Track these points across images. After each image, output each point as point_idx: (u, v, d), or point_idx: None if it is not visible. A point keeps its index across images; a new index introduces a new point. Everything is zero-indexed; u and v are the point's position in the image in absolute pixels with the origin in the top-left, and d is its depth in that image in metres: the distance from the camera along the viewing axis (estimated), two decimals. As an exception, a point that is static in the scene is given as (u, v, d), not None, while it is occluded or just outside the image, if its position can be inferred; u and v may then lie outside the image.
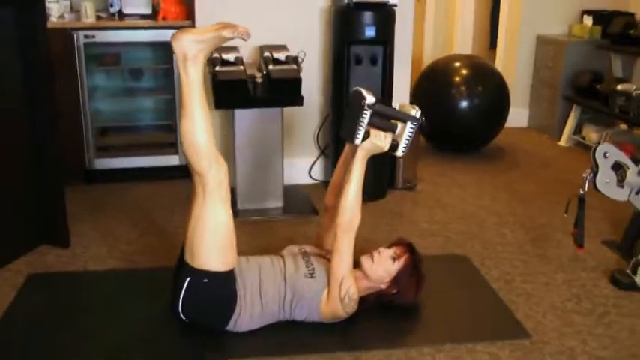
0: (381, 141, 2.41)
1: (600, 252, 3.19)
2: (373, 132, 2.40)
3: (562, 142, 5.01)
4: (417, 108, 2.44)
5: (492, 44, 5.95)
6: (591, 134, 4.83)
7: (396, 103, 2.89)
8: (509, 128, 5.39)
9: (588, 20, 5.16)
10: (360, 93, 2.37)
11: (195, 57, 2.18)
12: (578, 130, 5.00)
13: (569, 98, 5.00)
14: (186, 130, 2.22)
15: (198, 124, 2.21)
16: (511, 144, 5.06)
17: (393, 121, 2.46)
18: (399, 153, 2.46)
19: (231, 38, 2.20)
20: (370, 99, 2.34)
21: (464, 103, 4.58)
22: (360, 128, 2.37)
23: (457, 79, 4.64)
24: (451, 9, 6.78)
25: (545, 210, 3.73)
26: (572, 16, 5.36)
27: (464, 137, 4.72)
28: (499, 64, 5.67)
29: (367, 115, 2.35)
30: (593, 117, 4.92)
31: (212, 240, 2.30)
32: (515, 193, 4.02)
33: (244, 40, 2.20)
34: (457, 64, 4.76)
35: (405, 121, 2.43)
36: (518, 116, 5.51)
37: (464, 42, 6.55)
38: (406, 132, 2.43)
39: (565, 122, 5.04)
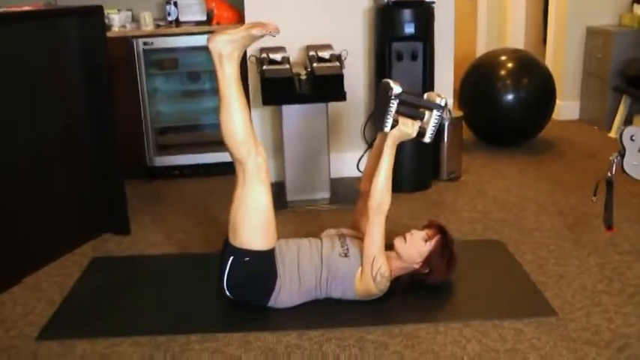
0: (408, 128, 2.56)
1: (639, 237, 3.22)
2: (401, 120, 2.56)
3: (612, 134, 4.99)
4: (442, 96, 2.58)
5: (545, 39, 5.96)
6: (641, 124, 4.80)
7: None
8: (560, 121, 5.43)
9: (638, 9, 5.12)
10: (387, 84, 2.54)
11: (230, 55, 2.39)
12: (629, 120, 4.96)
13: (619, 89, 4.98)
14: (225, 121, 2.44)
15: (235, 115, 2.42)
16: (559, 136, 5.07)
17: (421, 109, 2.60)
18: (427, 139, 2.61)
19: (261, 36, 2.40)
20: (397, 89, 2.50)
21: (509, 97, 4.64)
22: (389, 117, 2.53)
23: (503, 72, 4.71)
24: (503, 5, 6.81)
25: (586, 199, 3.74)
26: (623, 6, 5.33)
27: (509, 130, 4.77)
28: (549, 57, 5.68)
29: (394, 104, 2.51)
30: (645, 107, 4.90)
31: (252, 221, 2.50)
32: (559, 183, 4.06)
33: (273, 36, 2.39)
34: (503, 58, 4.82)
35: (431, 109, 2.57)
36: (569, 109, 5.52)
37: (516, 37, 6.56)
38: (432, 119, 2.57)
39: (615, 113, 5.02)
